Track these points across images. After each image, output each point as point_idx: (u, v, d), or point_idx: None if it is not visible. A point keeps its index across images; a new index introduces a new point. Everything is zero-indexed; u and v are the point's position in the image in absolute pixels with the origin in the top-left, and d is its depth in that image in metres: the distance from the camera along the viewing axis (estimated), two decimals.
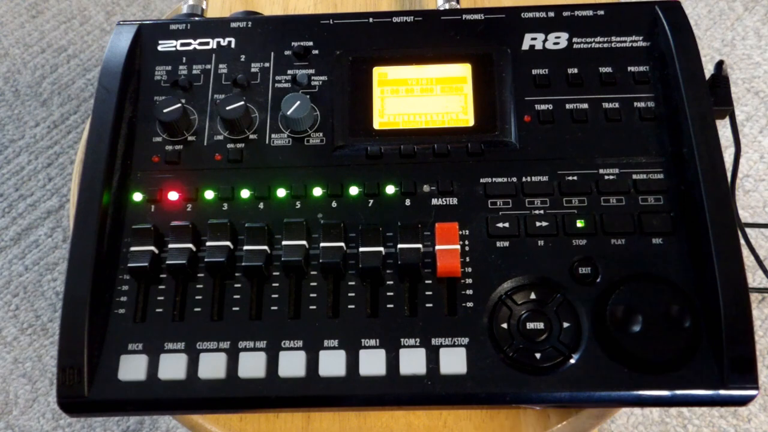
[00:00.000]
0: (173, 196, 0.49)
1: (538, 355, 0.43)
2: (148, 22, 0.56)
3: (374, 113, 0.52)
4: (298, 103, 0.50)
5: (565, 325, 0.44)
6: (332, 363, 0.44)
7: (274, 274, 0.47)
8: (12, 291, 1.16)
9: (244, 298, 0.46)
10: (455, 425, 0.51)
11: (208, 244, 0.46)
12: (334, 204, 0.49)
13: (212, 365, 0.44)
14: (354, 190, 0.49)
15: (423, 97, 0.52)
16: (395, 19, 0.55)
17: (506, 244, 0.47)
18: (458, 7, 0.59)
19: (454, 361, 0.43)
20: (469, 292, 0.45)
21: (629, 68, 0.52)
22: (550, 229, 0.47)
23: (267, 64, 0.54)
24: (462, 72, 0.52)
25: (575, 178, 0.48)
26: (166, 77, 0.54)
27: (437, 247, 0.45)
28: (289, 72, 0.53)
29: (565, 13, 0.54)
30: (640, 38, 0.53)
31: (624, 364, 0.43)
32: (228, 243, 0.46)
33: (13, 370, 1.10)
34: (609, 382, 0.43)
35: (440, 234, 0.46)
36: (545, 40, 0.53)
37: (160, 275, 0.47)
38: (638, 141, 0.49)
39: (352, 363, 0.44)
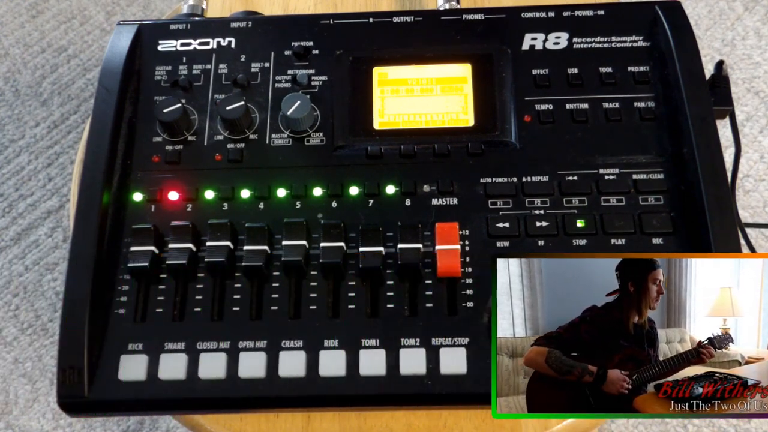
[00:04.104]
0: (173, 196, 0.49)
1: None
2: (148, 22, 0.56)
3: (374, 113, 0.51)
4: (298, 103, 0.50)
5: None
6: (332, 363, 0.44)
7: (274, 274, 0.47)
8: (12, 291, 1.16)
9: (244, 298, 0.46)
10: (455, 425, 0.51)
11: (208, 244, 0.46)
12: (334, 204, 0.49)
13: (212, 365, 0.44)
14: (354, 190, 0.49)
15: (423, 97, 0.52)
16: (395, 19, 0.55)
17: (506, 244, 0.47)
18: (458, 7, 0.59)
19: (454, 361, 0.43)
20: (469, 292, 0.45)
21: (629, 68, 0.52)
22: (550, 229, 0.47)
23: (267, 64, 0.54)
24: (462, 72, 0.52)
25: (575, 178, 0.48)
26: (166, 77, 0.54)
27: (437, 247, 0.45)
28: (289, 72, 0.53)
29: (565, 13, 0.54)
30: (640, 38, 0.53)
31: None
32: (228, 243, 0.46)
33: (13, 370, 1.10)
34: None
35: (440, 234, 0.46)
36: (545, 40, 0.53)
37: (160, 275, 0.47)
38: (638, 141, 0.49)
39: (352, 363, 0.44)
